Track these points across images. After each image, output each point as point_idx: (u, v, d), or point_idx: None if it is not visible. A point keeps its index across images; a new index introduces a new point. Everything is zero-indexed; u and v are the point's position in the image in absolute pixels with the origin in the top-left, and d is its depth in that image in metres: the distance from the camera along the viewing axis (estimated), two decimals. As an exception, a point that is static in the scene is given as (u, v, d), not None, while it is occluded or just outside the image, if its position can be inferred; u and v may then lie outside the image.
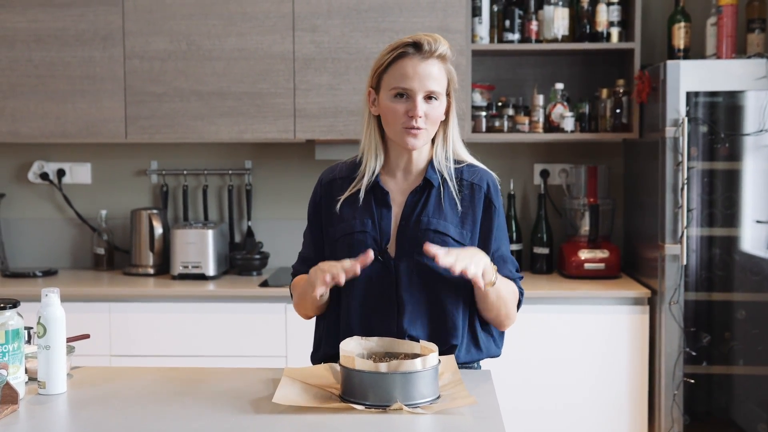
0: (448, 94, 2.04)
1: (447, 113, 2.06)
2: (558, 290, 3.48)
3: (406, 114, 1.98)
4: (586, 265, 3.67)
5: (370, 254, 1.92)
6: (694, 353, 3.43)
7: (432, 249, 1.88)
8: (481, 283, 1.90)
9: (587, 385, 3.45)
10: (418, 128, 1.98)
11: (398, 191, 2.08)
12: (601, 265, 3.67)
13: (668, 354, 3.35)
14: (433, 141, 2.08)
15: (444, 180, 2.06)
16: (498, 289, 1.98)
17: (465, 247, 1.98)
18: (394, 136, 2.03)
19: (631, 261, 3.84)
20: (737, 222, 3.53)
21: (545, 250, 3.85)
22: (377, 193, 2.07)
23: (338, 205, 2.07)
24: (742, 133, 3.44)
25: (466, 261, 1.88)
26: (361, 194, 2.06)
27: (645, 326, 3.42)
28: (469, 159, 2.11)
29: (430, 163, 2.07)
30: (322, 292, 1.92)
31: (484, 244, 2.05)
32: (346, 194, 2.07)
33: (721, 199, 3.50)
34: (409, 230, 2.02)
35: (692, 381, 3.39)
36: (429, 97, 1.99)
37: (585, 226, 3.78)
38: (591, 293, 3.46)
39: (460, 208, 2.05)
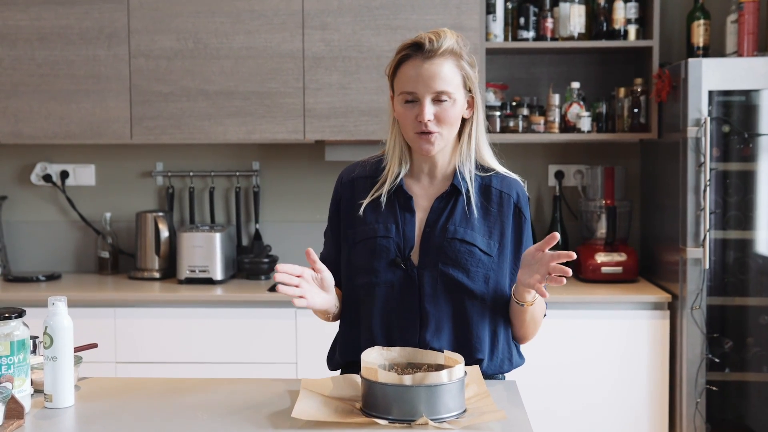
0: (470, 91, 1.93)
1: (473, 111, 1.96)
2: (575, 294, 3.39)
3: (416, 119, 1.88)
4: (603, 269, 3.59)
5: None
6: (717, 360, 3.33)
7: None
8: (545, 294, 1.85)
9: (606, 391, 3.37)
10: (430, 132, 1.88)
11: (423, 196, 1.99)
12: (619, 269, 3.59)
13: (690, 360, 3.26)
14: (460, 142, 1.98)
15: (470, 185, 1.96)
16: (534, 308, 1.93)
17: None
18: (410, 142, 1.94)
19: (649, 264, 3.75)
20: (752, 224, 3.44)
21: (560, 254, 3.76)
22: (400, 197, 1.97)
23: (361, 208, 1.98)
24: (761, 132, 3.34)
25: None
26: (383, 198, 1.96)
27: (665, 332, 3.33)
28: (495, 164, 2.01)
29: (458, 167, 1.98)
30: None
31: (516, 256, 1.97)
32: (368, 199, 1.97)
33: (741, 201, 3.41)
34: (434, 238, 1.94)
35: (715, 389, 3.29)
36: (439, 99, 1.88)
37: (601, 229, 3.69)
38: (609, 297, 3.38)
39: (488, 217, 1.96)
